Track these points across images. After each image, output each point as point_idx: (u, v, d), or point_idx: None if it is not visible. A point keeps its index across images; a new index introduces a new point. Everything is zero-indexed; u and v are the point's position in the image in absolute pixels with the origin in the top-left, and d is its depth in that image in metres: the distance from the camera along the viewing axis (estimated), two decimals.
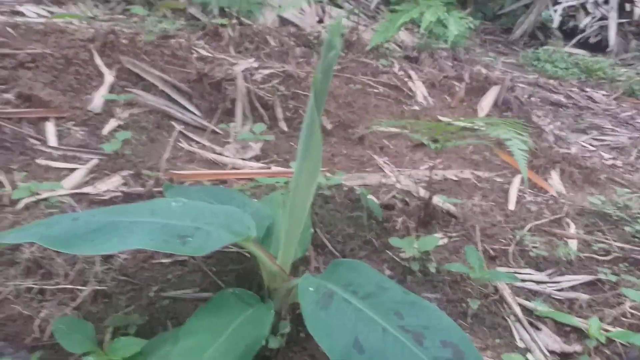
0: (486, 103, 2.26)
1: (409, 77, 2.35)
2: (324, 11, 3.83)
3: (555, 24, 4.38)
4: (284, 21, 3.22)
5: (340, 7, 3.93)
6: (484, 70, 2.43)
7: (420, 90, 2.25)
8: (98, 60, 1.80)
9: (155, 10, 3.08)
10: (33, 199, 1.12)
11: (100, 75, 1.77)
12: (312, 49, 2.51)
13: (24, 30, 1.93)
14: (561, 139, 2.39)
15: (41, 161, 1.37)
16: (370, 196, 1.42)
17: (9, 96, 1.52)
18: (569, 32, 4.42)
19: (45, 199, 1.13)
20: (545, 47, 4.19)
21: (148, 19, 2.72)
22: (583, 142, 2.48)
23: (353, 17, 3.80)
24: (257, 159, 1.67)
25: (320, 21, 3.57)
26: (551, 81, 3.57)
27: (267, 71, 2.02)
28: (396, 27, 2.61)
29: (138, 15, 3.05)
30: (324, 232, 1.23)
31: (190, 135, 1.71)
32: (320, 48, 2.50)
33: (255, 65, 2.06)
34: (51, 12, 2.75)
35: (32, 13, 2.66)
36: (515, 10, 4.71)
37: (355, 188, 1.40)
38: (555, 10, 4.41)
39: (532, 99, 2.90)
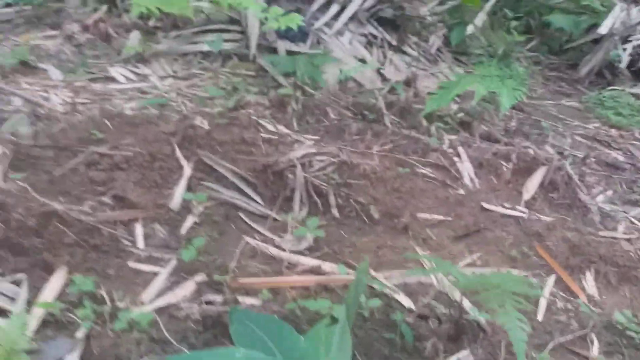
0: (532, 185, 2.34)
1: (458, 154, 2.47)
2: (385, 56, 3.97)
3: (624, 63, 4.25)
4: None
5: (402, 50, 4.05)
6: (531, 151, 2.50)
7: (467, 171, 2.37)
8: (178, 153, 2.08)
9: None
10: (127, 326, 1.38)
11: (180, 167, 2.04)
12: (368, 122, 2.68)
13: (118, 121, 2.23)
14: (609, 216, 2.42)
15: (132, 264, 1.66)
16: (406, 300, 1.59)
17: (106, 199, 1.82)
18: (638, 73, 4.28)
19: (137, 322, 1.39)
20: (611, 88, 4.10)
21: (220, 79, 3.01)
22: (633, 217, 2.49)
23: (407, 59, 3.92)
24: (310, 250, 1.88)
25: (380, 72, 3.71)
26: (613, 131, 3.53)
27: (323, 157, 2.22)
28: (450, 97, 2.72)
29: (210, 69, 3.35)
30: (362, 354, 1.42)
31: (254, 225, 1.95)
32: (374, 124, 2.67)
33: (314, 150, 2.27)
34: (137, 74, 3.09)
35: (122, 77, 3.01)
36: (583, 44, 4.61)
37: (393, 303, 1.58)
38: (625, 49, 4.28)
39: (587, 160, 2.91)
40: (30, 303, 1.43)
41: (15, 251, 1.52)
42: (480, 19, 4.52)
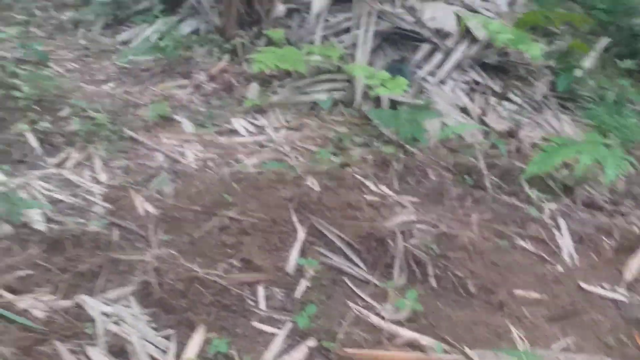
0: (635, 265, 2.33)
1: (558, 227, 2.51)
2: (488, 103, 4.02)
3: None
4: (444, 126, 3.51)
5: (506, 97, 4.07)
6: (636, 228, 2.47)
7: (566, 246, 2.41)
8: (294, 219, 2.35)
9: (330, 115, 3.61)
10: None
11: (295, 231, 2.31)
12: (468, 187, 2.79)
13: (244, 184, 2.55)
14: None
15: (255, 324, 1.93)
16: None
17: (234, 261, 2.12)
18: None
19: None
20: None
21: (327, 128, 3.25)
22: None
23: (511, 106, 3.92)
24: (408, 320, 2.05)
25: (483, 120, 3.77)
26: None
27: (422, 226, 2.38)
28: (552, 163, 2.75)
29: (319, 117, 3.62)
30: None
31: (358, 291, 2.15)
32: (474, 189, 2.77)
33: (414, 218, 2.44)
34: (256, 125, 3.44)
35: (243, 129, 3.37)
36: None
37: None
38: None
39: None
40: (178, 357, 1.75)
41: (166, 309, 1.86)
42: (590, 61, 4.40)
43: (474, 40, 4.08)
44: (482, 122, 3.76)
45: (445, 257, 2.27)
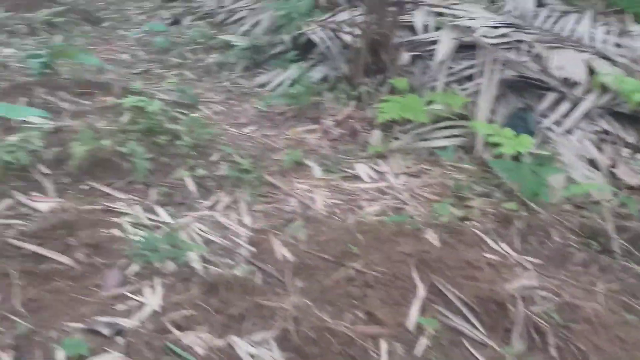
0: None
1: None
2: (619, 154, 3.83)
3: None
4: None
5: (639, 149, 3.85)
6: None
7: None
8: (415, 275, 2.48)
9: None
10: None
11: (415, 287, 2.45)
12: (594, 252, 2.73)
13: (368, 235, 2.74)
14: None
15: None
16: None
17: (359, 313, 2.31)
18: None
19: None
20: None
21: (446, 175, 3.33)
22: None
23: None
24: None
25: (612, 173, 3.61)
26: None
27: (544, 293, 2.39)
28: None
29: (438, 163, 3.72)
30: None
31: (476, 354, 2.23)
32: (600, 255, 2.70)
33: (535, 283, 2.45)
34: (377, 171, 3.63)
35: (365, 175, 3.57)
36: None
37: None
38: None
39: None
40: None
41: (301, 356, 2.09)
42: None
43: (605, 89, 3.92)
44: (612, 176, 3.60)
45: (568, 328, 2.26)
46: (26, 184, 2.90)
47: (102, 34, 6.33)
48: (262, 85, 5.05)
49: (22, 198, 2.78)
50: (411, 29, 4.90)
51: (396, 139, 3.98)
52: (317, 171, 3.56)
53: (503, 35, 4.61)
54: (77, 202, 2.78)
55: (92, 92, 4.15)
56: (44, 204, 2.77)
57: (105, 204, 2.80)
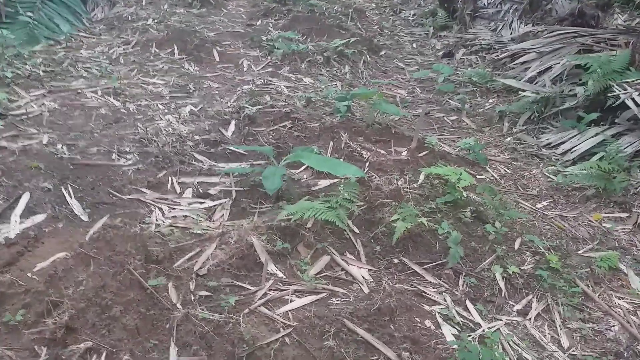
0: None
1: None
2: None
3: None
4: None
5: None
6: None
7: None
8: None
9: None
10: None
11: None
12: None
13: None
14: None
15: None
16: None
17: None
18: None
19: None
20: None
21: None
22: None
23: None
24: None
25: None
26: None
27: None
28: None
29: None
30: None
31: None
32: None
33: None
34: None
35: None
36: None
37: None
38: None
39: None
40: None
41: None
42: None
43: None
44: None
45: None
46: (340, 243, 2.97)
47: (381, 65, 6.46)
48: (550, 146, 4.49)
49: (337, 258, 2.85)
50: None
51: None
52: (635, 281, 2.96)
53: None
54: (389, 277, 2.75)
55: (388, 141, 4.18)
56: (357, 270, 2.79)
57: (416, 285, 2.71)
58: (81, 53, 5.63)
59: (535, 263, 2.95)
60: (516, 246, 3.08)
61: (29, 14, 5.83)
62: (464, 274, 2.80)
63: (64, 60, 5.28)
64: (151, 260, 2.42)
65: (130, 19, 7.03)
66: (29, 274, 2.28)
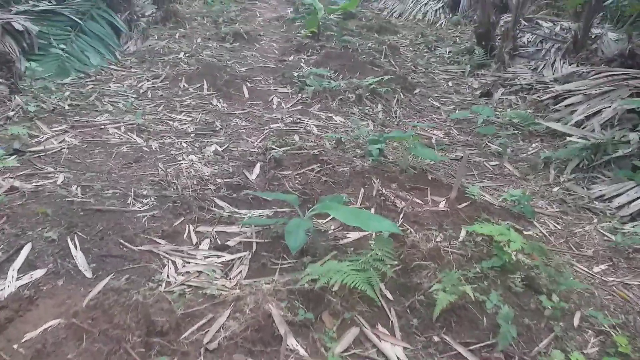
0: None
1: None
2: None
3: None
4: None
5: None
6: None
7: None
8: None
9: None
10: None
11: None
12: None
13: None
14: None
15: None
16: None
17: None
18: None
19: None
20: None
21: None
22: None
23: None
24: None
25: None
26: None
27: None
28: None
29: None
30: None
31: None
32: None
33: None
34: None
35: None
36: None
37: None
38: None
39: None
40: None
41: None
42: None
43: None
44: None
45: None
46: (371, 312, 2.58)
47: (415, 104, 6.13)
48: (603, 199, 4.02)
49: (367, 331, 2.46)
50: None
51: None
52: None
53: None
54: (428, 359, 2.34)
55: (424, 188, 3.81)
56: (390, 347, 2.39)
57: None
58: (109, 86, 5.51)
59: (601, 346, 2.49)
60: (575, 322, 2.63)
61: (62, 46, 5.78)
62: (517, 359, 2.36)
63: (91, 93, 5.15)
64: (154, 333, 2.09)
65: (162, 52, 6.95)
66: (15, 346, 1.98)
